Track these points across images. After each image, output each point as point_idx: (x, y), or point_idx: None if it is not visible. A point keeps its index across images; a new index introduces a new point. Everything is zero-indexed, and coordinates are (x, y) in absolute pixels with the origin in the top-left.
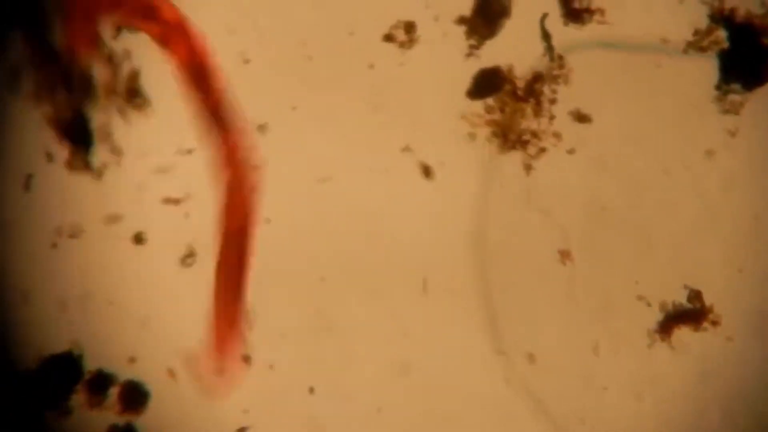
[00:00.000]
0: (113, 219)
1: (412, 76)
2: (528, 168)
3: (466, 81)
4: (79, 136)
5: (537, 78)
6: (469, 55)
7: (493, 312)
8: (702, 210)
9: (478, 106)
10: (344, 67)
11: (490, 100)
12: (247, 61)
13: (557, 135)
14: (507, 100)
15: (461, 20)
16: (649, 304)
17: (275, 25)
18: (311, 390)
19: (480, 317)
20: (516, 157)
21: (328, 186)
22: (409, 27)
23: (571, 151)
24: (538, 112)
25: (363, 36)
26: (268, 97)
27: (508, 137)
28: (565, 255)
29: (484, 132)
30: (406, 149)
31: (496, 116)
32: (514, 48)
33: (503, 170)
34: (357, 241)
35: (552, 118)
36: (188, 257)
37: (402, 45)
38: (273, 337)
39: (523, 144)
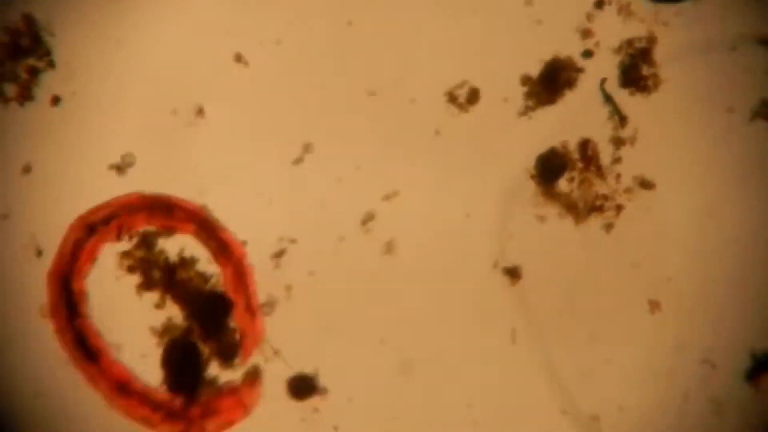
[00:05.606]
0: None
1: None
2: (609, 228)
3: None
4: None
5: (585, 144)
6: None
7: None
8: None
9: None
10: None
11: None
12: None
13: (629, 190)
14: (573, 174)
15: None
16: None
17: None
18: None
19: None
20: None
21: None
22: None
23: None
24: (602, 175)
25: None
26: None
27: (580, 208)
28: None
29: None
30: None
31: (569, 193)
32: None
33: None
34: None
35: (619, 176)
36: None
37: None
38: (341, 401)
39: (597, 209)
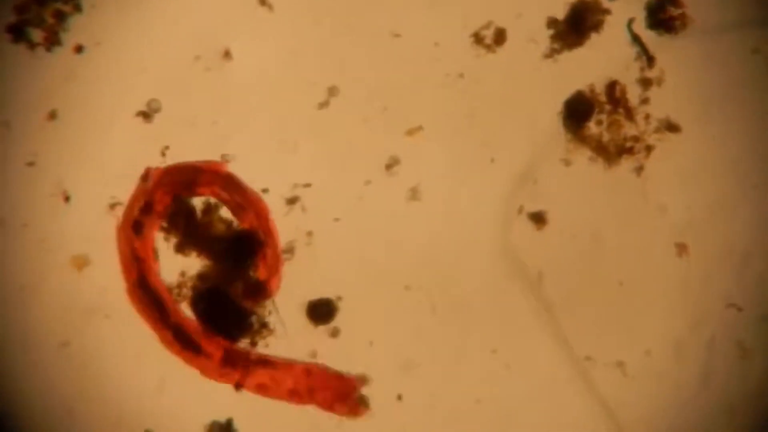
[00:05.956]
0: None
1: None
2: (639, 170)
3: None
4: None
5: (613, 85)
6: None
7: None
8: None
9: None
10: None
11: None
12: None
13: (659, 130)
14: (601, 118)
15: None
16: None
17: None
18: (399, 397)
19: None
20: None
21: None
22: (500, 31)
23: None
24: (630, 117)
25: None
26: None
27: (611, 151)
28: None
29: (581, 155)
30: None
31: (598, 135)
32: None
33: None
34: (447, 252)
35: (648, 117)
36: None
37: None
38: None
39: (628, 151)
